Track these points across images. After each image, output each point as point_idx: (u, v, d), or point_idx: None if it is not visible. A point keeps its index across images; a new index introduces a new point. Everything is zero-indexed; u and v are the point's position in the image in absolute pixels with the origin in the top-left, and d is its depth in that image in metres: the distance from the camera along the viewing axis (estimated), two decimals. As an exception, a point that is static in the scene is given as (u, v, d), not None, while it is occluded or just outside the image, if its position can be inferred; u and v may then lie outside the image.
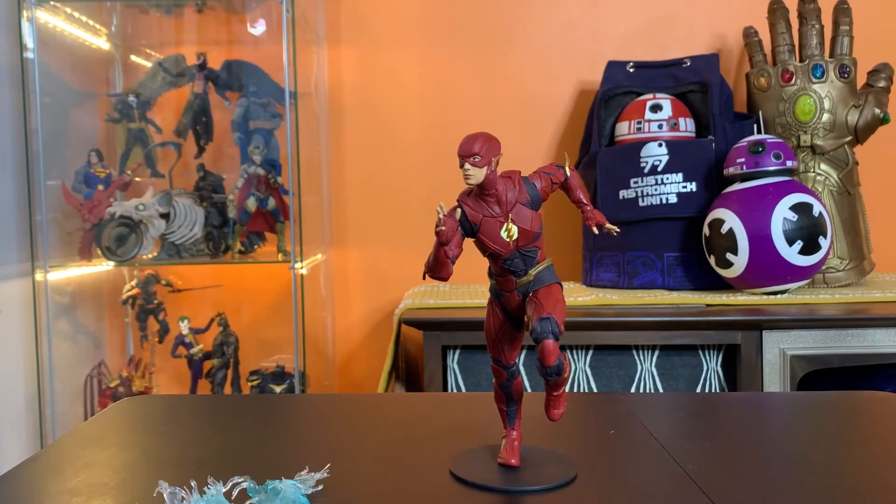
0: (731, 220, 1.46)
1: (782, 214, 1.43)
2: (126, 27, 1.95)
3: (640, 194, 1.61)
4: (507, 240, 0.56)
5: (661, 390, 1.44)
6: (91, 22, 1.87)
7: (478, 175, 0.54)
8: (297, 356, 1.69)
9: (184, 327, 1.77)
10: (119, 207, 1.71)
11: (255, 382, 1.75)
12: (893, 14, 1.91)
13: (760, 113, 1.67)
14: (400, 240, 1.97)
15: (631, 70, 1.78)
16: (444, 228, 0.53)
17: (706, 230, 1.53)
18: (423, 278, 0.56)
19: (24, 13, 1.64)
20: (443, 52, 1.96)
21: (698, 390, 1.44)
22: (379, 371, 1.66)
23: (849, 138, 1.63)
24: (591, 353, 1.46)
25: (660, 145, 1.60)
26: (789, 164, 1.50)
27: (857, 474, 0.60)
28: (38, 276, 1.68)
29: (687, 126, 1.67)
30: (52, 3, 1.71)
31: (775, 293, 1.50)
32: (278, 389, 1.73)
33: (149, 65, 1.90)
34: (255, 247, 1.81)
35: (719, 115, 1.64)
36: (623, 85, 1.76)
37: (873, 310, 1.41)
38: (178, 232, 1.76)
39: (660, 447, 0.66)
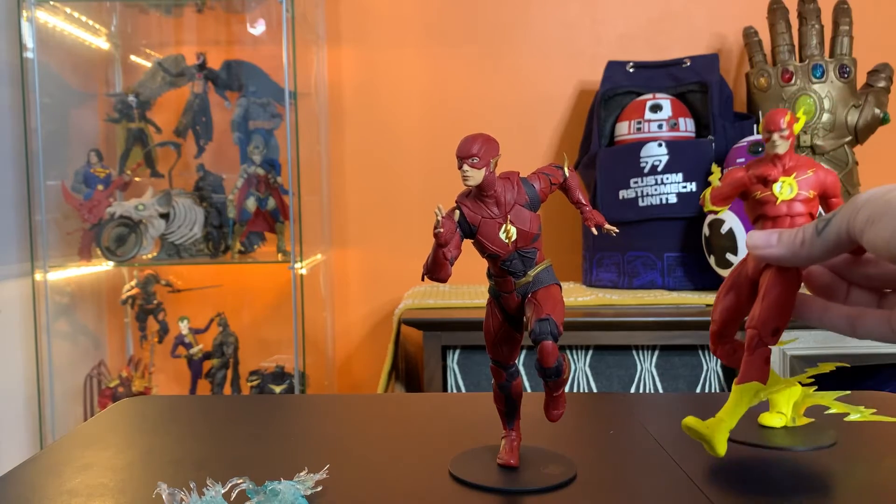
0: (731, 220, 1.46)
1: (782, 214, 1.43)
2: (126, 27, 1.95)
3: (639, 194, 1.61)
4: (506, 241, 0.56)
5: (661, 390, 1.44)
6: (91, 22, 1.87)
7: (476, 176, 0.54)
8: (297, 356, 1.69)
9: (183, 327, 1.77)
10: (119, 207, 1.71)
11: (255, 382, 1.75)
12: (893, 14, 1.90)
13: (760, 113, 1.67)
14: (400, 240, 1.97)
15: (631, 70, 1.78)
16: (442, 230, 0.53)
17: (706, 230, 1.53)
18: (422, 279, 0.56)
19: (24, 13, 1.64)
20: (443, 52, 1.96)
21: (698, 390, 1.44)
22: (379, 371, 1.66)
23: (849, 138, 1.63)
24: (591, 353, 1.46)
25: (660, 145, 1.60)
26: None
27: (857, 474, 0.60)
28: (38, 276, 1.68)
29: (687, 126, 1.67)
30: (51, 3, 1.71)
31: (775, 293, 1.49)
32: (278, 390, 1.73)
33: (148, 65, 1.90)
34: (255, 247, 1.82)
35: (719, 115, 1.64)
36: (623, 85, 1.76)
37: (873, 310, 1.41)
38: (177, 232, 1.76)
39: (660, 447, 0.66)
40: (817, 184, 0.60)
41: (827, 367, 0.66)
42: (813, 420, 0.64)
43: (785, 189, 0.59)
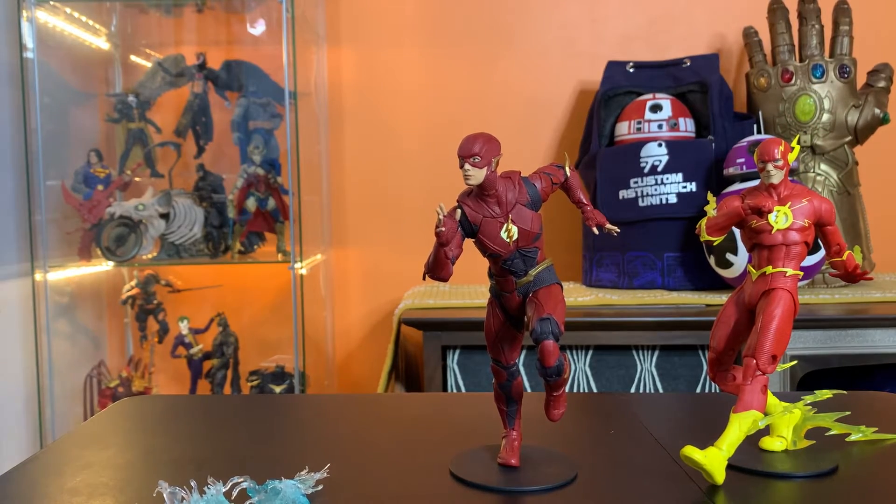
0: (730, 220, 1.46)
1: (782, 214, 1.43)
2: (126, 27, 1.95)
3: (639, 194, 1.61)
4: (507, 240, 0.56)
5: (661, 390, 1.44)
6: (91, 22, 1.87)
7: (478, 175, 0.54)
8: (297, 356, 1.69)
9: (183, 327, 1.77)
10: (119, 207, 1.71)
11: (255, 382, 1.75)
12: (893, 14, 1.90)
13: (760, 113, 1.67)
14: (400, 240, 1.97)
15: (631, 70, 1.78)
16: (443, 229, 0.53)
17: (706, 230, 1.52)
18: (423, 279, 0.56)
19: (24, 13, 1.64)
20: (442, 53, 1.96)
21: (698, 390, 1.44)
22: (379, 371, 1.66)
23: (849, 138, 1.63)
24: (591, 353, 1.46)
25: (660, 145, 1.60)
26: (789, 164, 1.50)
27: (857, 474, 0.60)
28: (38, 276, 1.68)
29: (687, 126, 1.67)
30: (51, 3, 1.71)
31: (775, 293, 1.49)
32: (278, 389, 1.73)
33: (148, 65, 1.90)
34: (255, 247, 1.81)
35: (719, 115, 1.64)
36: (623, 85, 1.76)
37: (873, 310, 1.41)
38: (177, 232, 1.76)
39: (660, 447, 0.66)
40: (812, 212, 0.60)
41: (824, 395, 0.67)
42: (814, 442, 0.65)
43: (780, 218, 0.59)
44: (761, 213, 0.60)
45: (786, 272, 0.59)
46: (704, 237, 0.63)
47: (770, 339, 0.56)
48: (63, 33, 1.79)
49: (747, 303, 0.61)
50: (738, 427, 0.55)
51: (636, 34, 1.94)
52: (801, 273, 0.60)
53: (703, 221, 0.63)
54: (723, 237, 0.63)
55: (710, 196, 0.65)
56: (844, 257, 0.62)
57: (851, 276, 0.63)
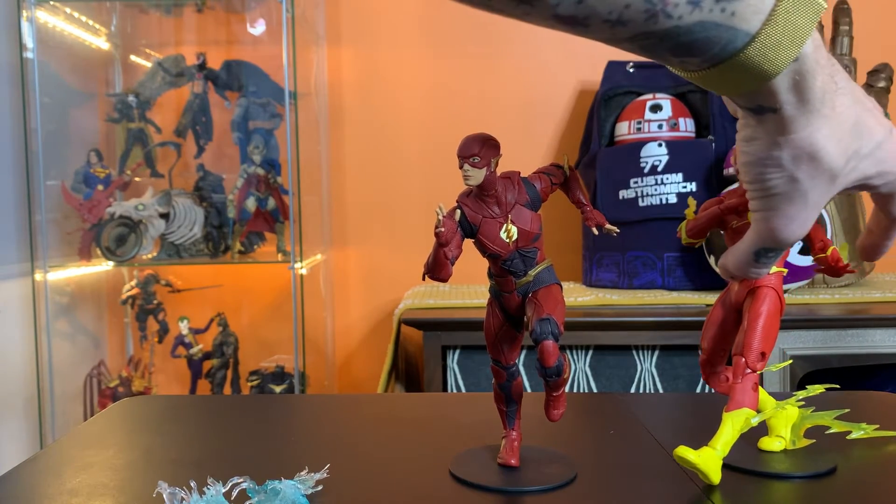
0: (730, 220, 1.46)
1: (782, 214, 1.43)
2: (126, 27, 1.95)
3: (639, 194, 1.61)
4: (507, 240, 0.56)
5: (661, 390, 1.44)
6: (91, 22, 1.87)
7: (477, 176, 0.54)
8: (297, 356, 1.69)
9: (183, 327, 1.77)
10: (119, 207, 1.71)
11: (255, 382, 1.75)
12: (893, 14, 1.90)
13: (760, 113, 1.67)
14: (400, 240, 1.97)
15: (631, 70, 1.78)
16: (443, 229, 0.53)
17: (706, 230, 1.52)
18: (423, 279, 0.56)
19: (24, 13, 1.64)
20: (442, 53, 1.96)
21: (698, 390, 1.44)
22: (379, 371, 1.66)
23: (849, 138, 1.63)
24: (591, 353, 1.46)
25: (660, 145, 1.60)
26: (789, 164, 1.50)
27: (857, 474, 0.60)
28: (38, 276, 1.68)
29: (687, 126, 1.67)
30: (51, 3, 1.71)
31: (775, 293, 1.49)
32: (278, 389, 1.73)
33: (148, 65, 1.90)
34: (255, 247, 1.82)
35: (719, 115, 1.64)
36: (623, 85, 1.76)
37: (873, 310, 1.41)
38: (177, 232, 1.76)
39: (660, 447, 0.66)
40: None
41: (817, 390, 0.67)
42: (814, 441, 0.64)
43: None
44: (740, 212, 0.60)
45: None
46: (685, 240, 0.63)
47: (758, 337, 0.57)
48: (63, 33, 1.79)
49: (734, 303, 0.61)
50: (731, 426, 0.55)
51: (636, 34, 1.93)
52: (786, 270, 0.60)
53: (683, 225, 0.64)
54: (703, 241, 0.63)
55: (690, 200, 0.66)
56: (829, 253, 0.62)
57: (836, 271, 0.63)
